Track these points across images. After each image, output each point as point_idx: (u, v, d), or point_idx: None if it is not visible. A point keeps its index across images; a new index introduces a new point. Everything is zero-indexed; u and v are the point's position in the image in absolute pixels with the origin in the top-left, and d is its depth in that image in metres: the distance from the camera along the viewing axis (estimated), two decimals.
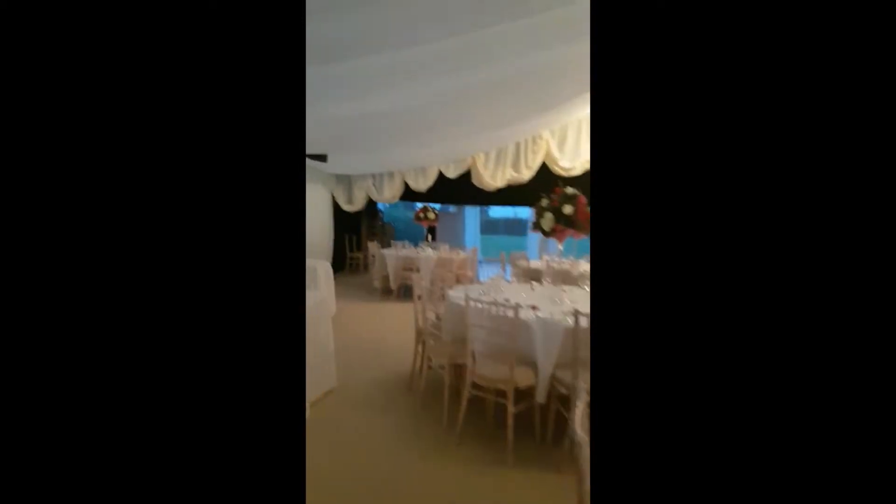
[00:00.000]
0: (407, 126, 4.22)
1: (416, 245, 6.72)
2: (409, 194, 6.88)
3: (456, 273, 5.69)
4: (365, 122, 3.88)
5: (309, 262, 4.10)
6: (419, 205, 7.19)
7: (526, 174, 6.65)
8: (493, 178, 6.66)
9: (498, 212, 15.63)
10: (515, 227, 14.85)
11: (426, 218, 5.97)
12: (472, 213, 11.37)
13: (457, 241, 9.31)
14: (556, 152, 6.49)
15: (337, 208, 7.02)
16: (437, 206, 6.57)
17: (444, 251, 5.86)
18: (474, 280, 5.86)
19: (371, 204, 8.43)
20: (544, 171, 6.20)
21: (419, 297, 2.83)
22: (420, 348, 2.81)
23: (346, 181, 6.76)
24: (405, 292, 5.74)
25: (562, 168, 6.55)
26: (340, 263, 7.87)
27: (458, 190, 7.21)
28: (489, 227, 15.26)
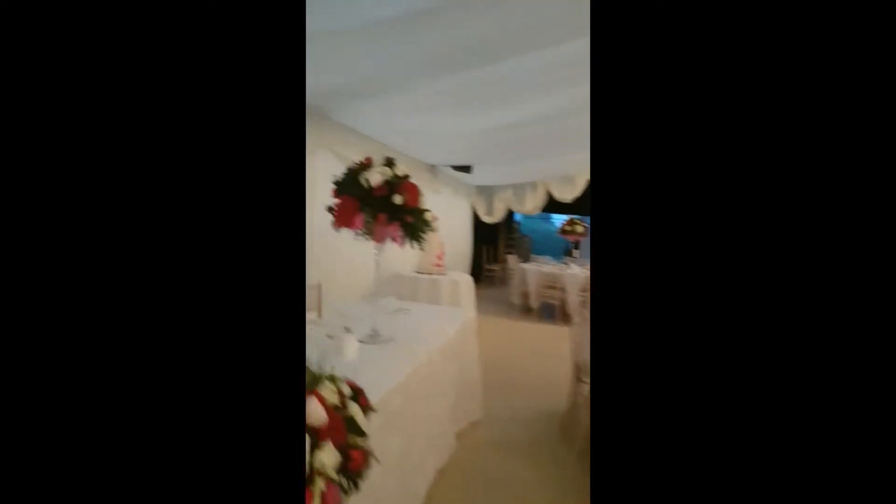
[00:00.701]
0: (557, 132, 3.84)
1: (557, 260, 6.19)
2: (550, 205, 6.40)
3: None
4: (512, 131, 3.63)
5: (452, 275, 3.99)
6: (559, 217, 6.66)
7: None
8: None
9: None
10: None
11: (573, 231, 5.39)
12: None
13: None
14: None
15: (475, 219, 6.93)
16: (585, 218, 5.92)
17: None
18: None
19: (508, 215, 8.20)
20: None
21: (576, 324, 2.37)
22: (579, 388, 2.34)
23: (487, 192, 6.63)
24: (547, 312, 5.27)
25: None
26: (477, 275, 7.79)
27: None
28: None
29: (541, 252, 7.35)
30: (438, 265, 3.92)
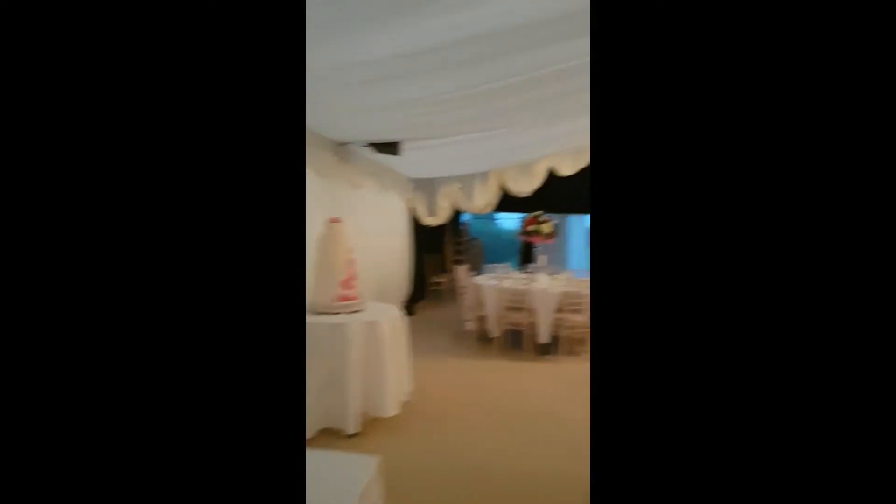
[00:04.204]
0: (509, 104, 2.61)
1: (517, 269, 4.93)
2: (504, 202, 5.16)
3: (590, 314, 3.75)
4: (449, 100, 2.31)
5: (370, 309, 2.52)
6: (509, 216, 5.51)
7: None
8: None
9: None
10: None
11: (538, 232, 4.13)
12: (576, 223, 9.27)
13: (557, 261, 7.33)
14: None
15: (414, 222, 5.47)
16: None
17: (569, 279, 3.96)
18: None
19: (455, 216, 6.86)
20: None
21: None
22: None
23: (427, 187, 5.22)
24: (513, 340, 3.96)
25: None
26: (420, 291, 6.35)
27: (572, 193, 5.34)
28: None
29: (492, 259, 6.10)
30: (346, 297, 2.44)
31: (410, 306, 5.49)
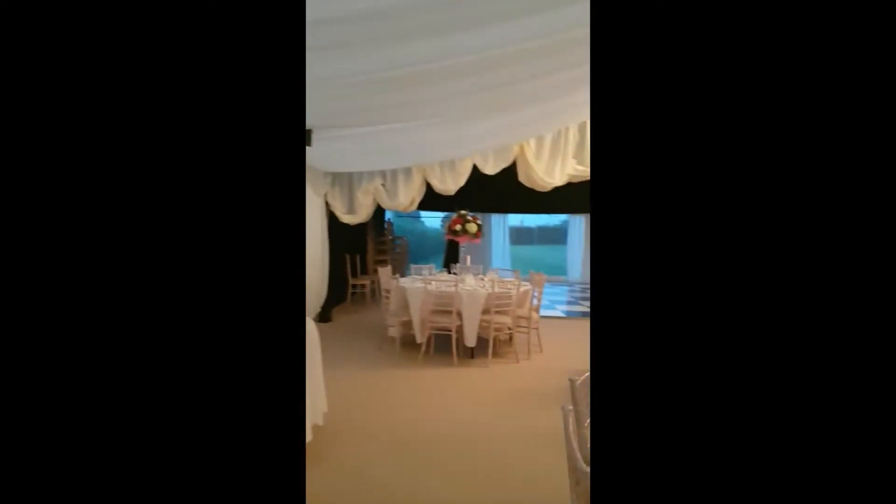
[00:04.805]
0: (428, 94, 2.44)
1: (442, 271, 4.79)
2: (430, 199, 4.99)
3: (515, 314, 3.73)
4: (368, 85, 2.06)
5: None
6: (431, 214, 5.35)
7: None
8: (548, 173, 4.74)
9: (529, 217, 13.55)
10: (552, 236, 12.79)
11: (465, 231, 4.00)
12: (497, 222, 9.45)
13: (480, 260, 7.38)
14: None
15: (333, 221, 5.04)
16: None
17: (493, 280, 3.90)
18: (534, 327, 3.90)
19: (378, 214, 6.53)
20: None
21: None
22: None
23: (345, 182, 4.83)
24: (440, 345, 3.79)
25: None
26: (341, 294, 5.93)
27: (496, 192, 5.35)
28: (520, 237, 13.18)
29: (417, 260, 5.92)
30: None
31: (328, 311, 5.07)
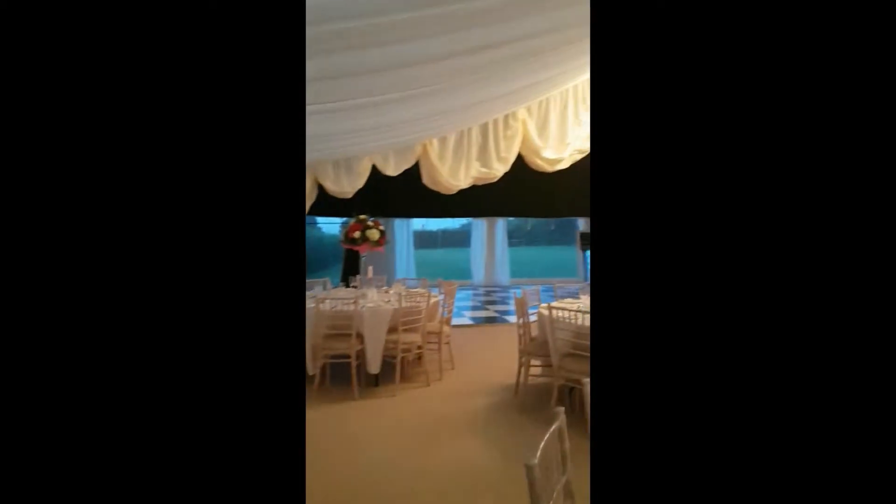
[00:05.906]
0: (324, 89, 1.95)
1: (340, 283, 4.20)
2: (323, 204, 4.39)
3: (425, 330, 3.32)
4: None
5: None
6: (328, 220, 4.64)
7: (499, 169, 4.70)
8: (453, 175, 4.49)
9: (432, 221, 13.29)
10: (455, 238, 12.69)
11: (365, 239, 3.46)
12: (400, 227, 9.01)
13: (383, 269, 6.86)
14: (536, 139, 4.62)
15: None
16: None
17: (402, 292, 3.43)
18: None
19: None
20: (520, 165, 4.33)
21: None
22: None
23: None
24: (336, 376, 3.21)
25: (544, 161, 4.70)
26: None
27: (400, 196, 4.95)
28: (425, 240, 12.85)
29: (312, 272, 5.21)
30: None
31: None
